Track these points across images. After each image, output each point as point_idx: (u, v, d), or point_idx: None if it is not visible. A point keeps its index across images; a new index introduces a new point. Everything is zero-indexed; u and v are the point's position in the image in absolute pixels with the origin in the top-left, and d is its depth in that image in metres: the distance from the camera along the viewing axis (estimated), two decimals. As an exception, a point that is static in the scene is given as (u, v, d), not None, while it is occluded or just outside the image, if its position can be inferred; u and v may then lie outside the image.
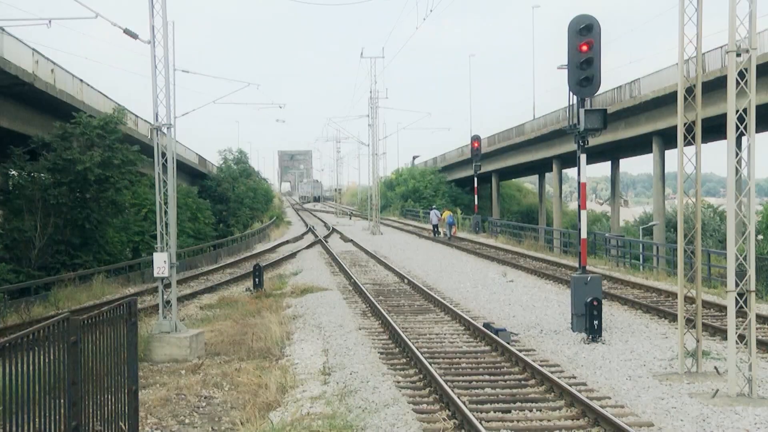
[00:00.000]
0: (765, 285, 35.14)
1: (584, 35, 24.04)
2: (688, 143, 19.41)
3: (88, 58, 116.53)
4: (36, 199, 43.07)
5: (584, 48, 24.00)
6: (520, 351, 21.66)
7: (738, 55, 17.43)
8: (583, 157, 25.04)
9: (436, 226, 72.16)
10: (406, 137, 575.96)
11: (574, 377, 19.31)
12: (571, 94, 24.67)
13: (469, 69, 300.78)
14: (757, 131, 18.19)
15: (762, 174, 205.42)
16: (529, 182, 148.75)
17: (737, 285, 17.71)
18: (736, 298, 17.76)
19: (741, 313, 20.29)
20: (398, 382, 19.03)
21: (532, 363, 19.52)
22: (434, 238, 69.40)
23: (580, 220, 25.45)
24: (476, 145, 79.93)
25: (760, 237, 57.66)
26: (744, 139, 18.05)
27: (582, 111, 24.30)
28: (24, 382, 9.84)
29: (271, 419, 16.11)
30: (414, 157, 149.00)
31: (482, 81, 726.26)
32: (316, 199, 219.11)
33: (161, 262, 24.43)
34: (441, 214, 71.87)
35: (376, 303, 30.10)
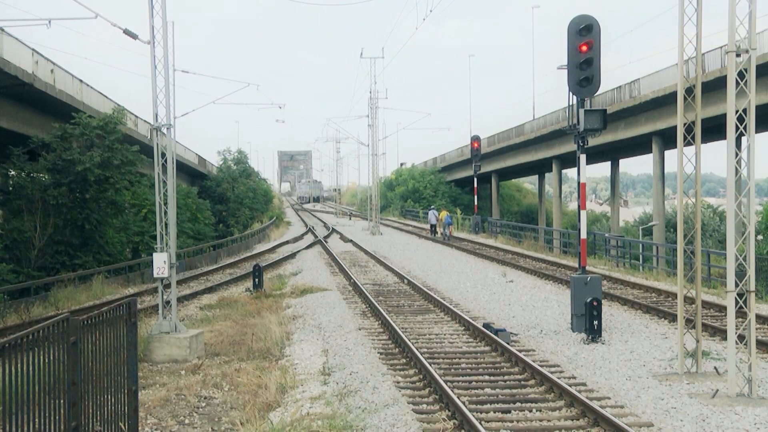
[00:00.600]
0: (765, 285, 35.15)
1: (584, 35, 24.04)
2: (687, 143, 19.42)
3: (88, 59, 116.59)
4: (36, 200, 43.05)
5: (584, 48, 24.01)
6: (520, 351, 21.66)
7: (738, 55, 17.43)
8: (582, 158, 25.04)
9: (434, 226, 72.41)
10: (406, 137, 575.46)
11: (574, 377, 19.31)
12: (570, 94, 24.67)
13: (469, 69, 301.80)
14: (756, 131, 18.19)
15: (762, 174, 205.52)
16: (529, 182, 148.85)
17: (737, 285, 17.71)
18: (735, 299, 17.76)
19: (741, 314, 20.33)
20: (398, 382, 19.03)
21: (532, 363, 19.52)
22: (433, 238, 69.47)
23: (579, 221, 25.45)
24: (476, 145, 79.90)
25: (760, 237, 57.62)
26: (744, 139, 18.05)
27: (582, 111, 24.30)
28: (24, 383, 9.84)
29: (271, 419, 16.11)
30: (401, 164, 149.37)
31: (482, 81, 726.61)
32: (316, 200, 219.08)
33: (161, 263, 24.42)
34: (438, 214, 72.00)
35: (375, 303, 30.09)
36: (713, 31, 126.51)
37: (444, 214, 69.65)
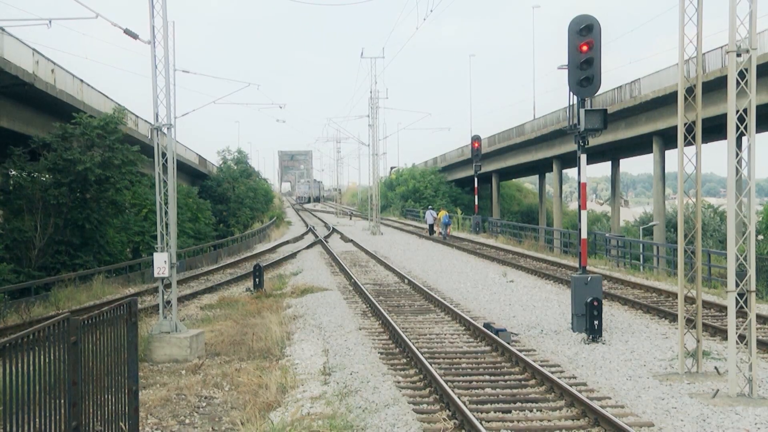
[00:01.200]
0: (765, 285, 35.15)
1: (584, 35, 24.02)
2: (688, 143, 19.41)
3: (89, 59, 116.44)
4: (36, 200, 43.06)
5: (584, 48, 23.99)
6: (521, 351, 21.66)
7: (738, 55, 17.43)
8: (583, 158, 25.03)
9: (432, 226, 72.56)
10: (407, 137, 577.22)
11: (575, 377, 19.31)
12: (571, 94, 24.66)
13: (469, 69, 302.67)
14: (757, 131, 18.19)
15: (762, 174, 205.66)
16: (530, 182, 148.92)
17: (737, 285, 17.71)
18: (736, 298, 17.76)
19: (741, 314, 20.36)
20: (398, 382, 19.03)
21: (533, 363, 19.52)
22: (433, 238, 69.45)
23: (580, 220, 25.44)
24: (476, 145, 79.92)
25: (761, 237, 57.66)
26: (744, 139, 18.05)
27: (582, 111, 24.29)
28: (24, 382, 9.85)
29: (272, 419, 16.11)
30: (392, 168, 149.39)
31: (482, 81, 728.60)
32: (316, 200, 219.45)
33: (161, 263, 24.42)
34: (437, 214, 72.11)
35: (376, 303, 30.09)
36: (714, 31, 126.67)
37: (442, 213, 69.72)
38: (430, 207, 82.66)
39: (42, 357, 10.36)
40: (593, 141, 32.65)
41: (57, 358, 10.85)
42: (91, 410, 11.94)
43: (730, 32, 17.30)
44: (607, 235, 55.83)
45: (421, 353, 21.02)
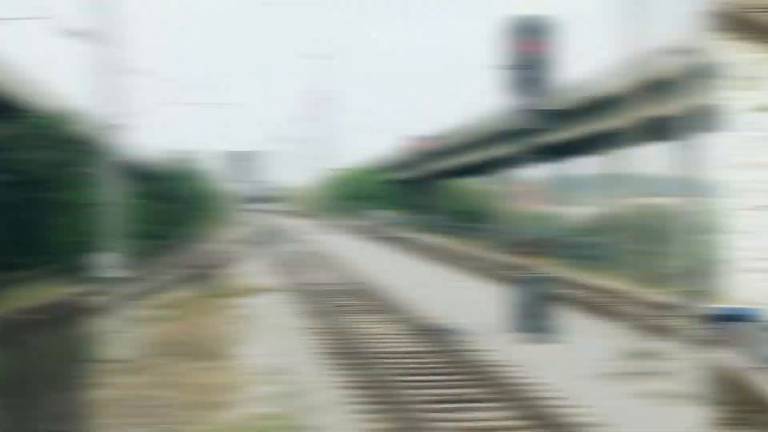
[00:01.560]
0: (710, 285, 35.41)
1: (530, 36, 24.00)
2: (638, 143, 19.56)
3: (38, 57, 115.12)
4: (-20, 200, 42.65)
5: (531, 48, 23.98)
6: (468, 351, 21.70)
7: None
8: (530, 158, 25.10)
9: (375, 226, 72.66)
10: (350, 136, 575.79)
11: (522, 377, 19.36)
12: (516, 94, 24.65)
13: (419, 70, 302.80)
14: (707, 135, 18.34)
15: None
16: (477, 182, 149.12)
17: (684, 285, 17.87)
18: (683, 298, 17.91)
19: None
20: (346, 382, 19.02)
21: (480, 363, 19.55)
22: (378, 238, 69.55)
23: (527, 220, 25.54)
24: (421, 145, 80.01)
25: (705, 237, 58.09)
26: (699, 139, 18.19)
27: (527, 111, 24.32)
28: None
29: (218, 419, 16.06)
30: (329, 170, 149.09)
31: (430, 82, 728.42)
32: (262, 200, 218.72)
33: (111, 262, 24.28)
34: (380, 214, 72.34)
35: (322, 303, 30.10)
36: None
37: (385, 213, 69.96)
38: (373, 207, 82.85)
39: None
40: (541, 141, 32.67)
41: (1, 359, 10.78)
42: (36, 411, 11.86)
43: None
44: (554, 234, 56.01)
45: (368, 353, 21.04)
